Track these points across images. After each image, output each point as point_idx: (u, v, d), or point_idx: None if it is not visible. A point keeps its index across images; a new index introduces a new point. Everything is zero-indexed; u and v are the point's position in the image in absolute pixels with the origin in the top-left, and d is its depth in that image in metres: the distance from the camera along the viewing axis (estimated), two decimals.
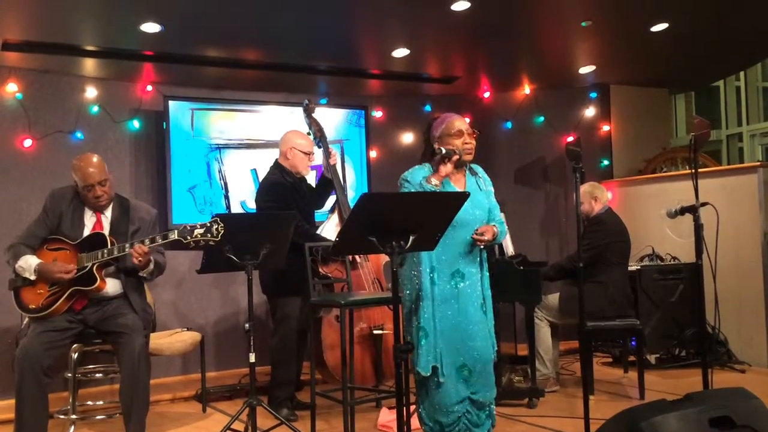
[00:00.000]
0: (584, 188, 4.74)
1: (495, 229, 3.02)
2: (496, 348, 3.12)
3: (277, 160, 4.35)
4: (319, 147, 4.53)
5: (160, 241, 3.35)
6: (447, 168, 2.94)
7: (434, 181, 2.91)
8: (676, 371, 5.12)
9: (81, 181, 3.50)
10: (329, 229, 4.38)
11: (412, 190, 2.94)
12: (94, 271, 3.41)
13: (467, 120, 3.18)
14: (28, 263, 3.45)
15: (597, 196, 4.75)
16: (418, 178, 2.98)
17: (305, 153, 4.29)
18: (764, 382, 4.76)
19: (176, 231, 3.27)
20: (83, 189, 3.52)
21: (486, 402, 3.05)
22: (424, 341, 2.94)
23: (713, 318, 4.25)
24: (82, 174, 3.49)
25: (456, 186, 3.04)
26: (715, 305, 4.06)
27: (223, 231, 3.18)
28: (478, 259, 3.06)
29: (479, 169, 3.20)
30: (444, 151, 2.92)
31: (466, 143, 2.99)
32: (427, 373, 2.93)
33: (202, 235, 3.19)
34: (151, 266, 3.52)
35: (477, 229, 2.97)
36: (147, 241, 3.39)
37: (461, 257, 2.99)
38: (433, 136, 3.04)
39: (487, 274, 3.11)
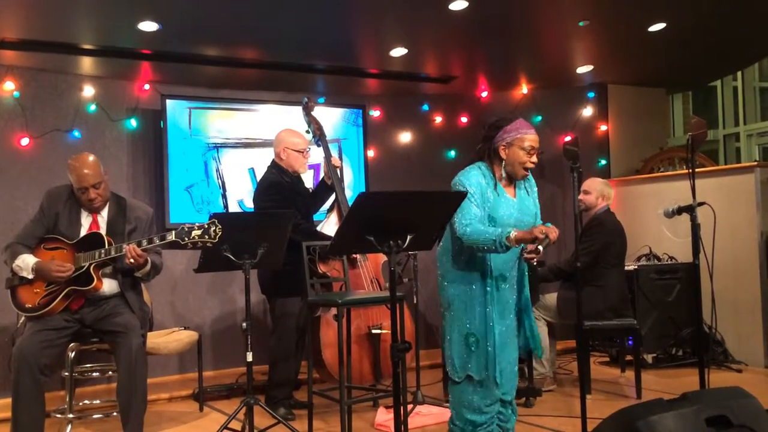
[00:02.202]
0: (596, 183, 4.76)
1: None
2: (537, 345, 3.09)
3: (273, 160, 4.35)
4: (318, 145, 4.53)
5: (157, 242, 3.34)
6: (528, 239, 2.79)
7: (512, 236, 2.74)
8: (673, 371, 5.13)
9: (75, 183, 3.50)
10: (328, 227, 4.38)
11: (471, 199, 2.84)
12: (92, 271, 3.41)
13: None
14: (26, 262, 3.44)
15: (605, 194, 4.76)
16: (475, 180, 2.90)
17: (299, 151, 4.29)
18: (761, 381, 4.78)
19: (174, 232, 3.26)
20: (77, 191, 3.51)
21: (510, 400, 3.07)
22: (475, 347, 2.90)
23: (710, 317, 4.26)
24: (77, 176, 3.48)
25: (507, 193, 2.98)
26: (711, 305, 4.06)
27: (220, 233, 3.17)
28: (518, 262, 3.05)
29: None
30: (546, 242, 2.74)
31: (532, 162, 2.94)
32: (482, 377, 2.91)
33: (199, 236, 3.18)
34: (148, 267, 3.51)
35: (527, 248, 2.91)
36: (144, 242, 3.38)
37: (507, 263, 2.97)
38: (502, 138, 2.92)
39: (527, 273, 3.09)
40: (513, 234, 2.73)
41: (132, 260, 3.36)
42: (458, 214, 2.80)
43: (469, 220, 2.81)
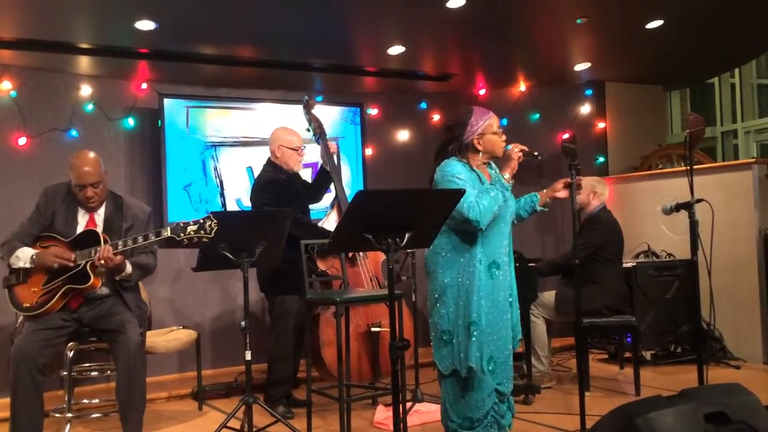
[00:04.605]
0: (587, 180, 4.74)
1: None
2: (520, 338, 3.16)
3: (269, 158, 4.35)
4: (318, 143, 4.53)
5: (153, 239, 3.34)
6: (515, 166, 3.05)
7: (508, 176, 3.04)
8: (672, 367, 5.13)
9: (74, 180, 3.49)
10: (328, 225, 4.38)
11: (465, 185, 2.91)
12: (88, 269, 3.40)
13: None
14: (25, 253, 3.43)
15: (597, 191, 4.74)
16: (462, 170, 2.99)
17: (293, 149, 4.29)
18: (759, 377, 4.78)
19: (169, 228, 3.26)
20: (75, 187, 3.50)
21: (507, 393, 3.08)
22: (475, 336, 2.93)
23: (708, 314, 4.25)
24: (77, 173, 3.47)
25: (487, 179, 3.08)
26: (710, 302, 4.06)
27: (216, 228, 3.16)
28: (509, 249, 3.12)
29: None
30: (540, 157, 3.07)
31: (503, 141, 3.10)
32: (478, 366, 2.94)
33: (195, 232, 3.17)
34: (128, 270, 3.49)
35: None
36: (140, 239, 3.37)
37: (498, 248, 3.03)
38: (471, 132, 3.03)
39: (513, 263, 3.16)
40: (505, 175, 3.03)
41: (102, 261, 3.33)
42: (459, 203, 2.83)
43: (473, 201, 2.87)
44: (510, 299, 3.07)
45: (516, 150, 3.03)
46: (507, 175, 3.02)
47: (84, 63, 4.95)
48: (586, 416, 3.28)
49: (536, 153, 3.08)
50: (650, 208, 5.56)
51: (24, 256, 3.43)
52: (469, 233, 2.96)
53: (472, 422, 2.98)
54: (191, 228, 3.18)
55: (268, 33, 4.73)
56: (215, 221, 3.17)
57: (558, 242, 6.27)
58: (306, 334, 4.09)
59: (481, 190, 2.94)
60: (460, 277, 2.97)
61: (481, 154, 3.05)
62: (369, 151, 6.05)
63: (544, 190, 3.27)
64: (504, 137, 3.09)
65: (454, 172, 2.96)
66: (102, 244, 3.39)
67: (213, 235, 3.17)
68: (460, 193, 2.72)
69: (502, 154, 3.10)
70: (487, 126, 3.04)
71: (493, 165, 3.20)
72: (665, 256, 5.52)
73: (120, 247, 3.38)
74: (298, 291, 4.00)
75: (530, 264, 4.59)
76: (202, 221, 3.18)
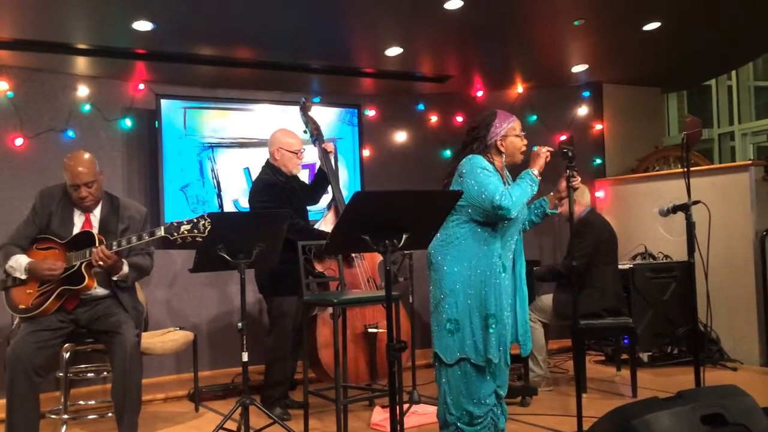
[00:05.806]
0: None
1: None
2: (528, 341, 3.15)
3: (268, 160, 4.34)
4: (315, 145, 4.53)
5: (147, 239, 3.33)
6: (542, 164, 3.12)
7: (536, 172, 3.09)
8: (669, 369, 5.14)
9: (69, 180, 3.49)
10: (325, 226, 4.37)
11: (493, 177, 2.98)
12: (83, 270, 3.39)
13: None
14: (19, 263, 3.43)
15: (575, 199, 4.70)
16: (489, 166, 3.04)
17: (293, 152, 4.28)
18: (756, 379, 4.79)
19: (162, 228, 3.25)
20: (70, 188, 3.50)
21: (503, 396, 3.11)
22: (493, 329, 2.95)
23: (705, 316, 4.26)
24: (71, 173, 3.47)
25: (504, 180, 3.14)
26: (707, 303, 4.07)
27: (209, 227, 3.16)
28: (519, 255, 3.16)
29: None
30: (571, 153, 3.18)
31: (525, 144, 3.16)
32: (497, 359, 2.96)
33: (188, 231, 3.17)
34: (125, 270, 3.49)
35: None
36: (134, 239, 3.37)
37: (508, 250, 3.08)
38: (495, 134, 3.10)
39: (524, 261, 3.18)
40: (534, 171, 3.07)
41: (101, 262, 3.33)
42: (491, 192, 2.90)
43: (504, 190, 2.93)
44: (511, 303, 3.07)
45: (543, 150, 3.10)
46: (535, 171, 3.07)
47: (81, 63, 4.94)
48: (582, 418, 3.28)
49: (565, 149, 3.15)
50: (647, 210, 5.57)
51: (18, 267, 3.43)
52: (491, 226, 2.99)
53: (473, 418, 2.98)
54: (185, 227, 3.17)
55: (265, 34, 4.72)
56: (209, 221, 3.16)
57: (555, 245, 6.27)
58: (303, 336, 4.08)
59: (508, 187, 2.98)
60: (473, 269, 2.98)
61: (504, 156, 3.11)
62: (366, 152, 6.04)
63: (551, 194, 3.30)
64: (525, 141, 3.15)
65: (483, 164, 3.01)
66: (97, 245, 3.38)
67: (206, 234, 3.16)
68: (458, 194, 2.74)
69: (520, 160, 3.15)
70: (510, 129, 3.11)
71: (508, 173, 3.23)
72: (662, 258, 5.53)
73: (114, 248, 3.37)
74: (297, 292, 3.99)
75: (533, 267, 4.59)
76: (195, 221, 3.17)
